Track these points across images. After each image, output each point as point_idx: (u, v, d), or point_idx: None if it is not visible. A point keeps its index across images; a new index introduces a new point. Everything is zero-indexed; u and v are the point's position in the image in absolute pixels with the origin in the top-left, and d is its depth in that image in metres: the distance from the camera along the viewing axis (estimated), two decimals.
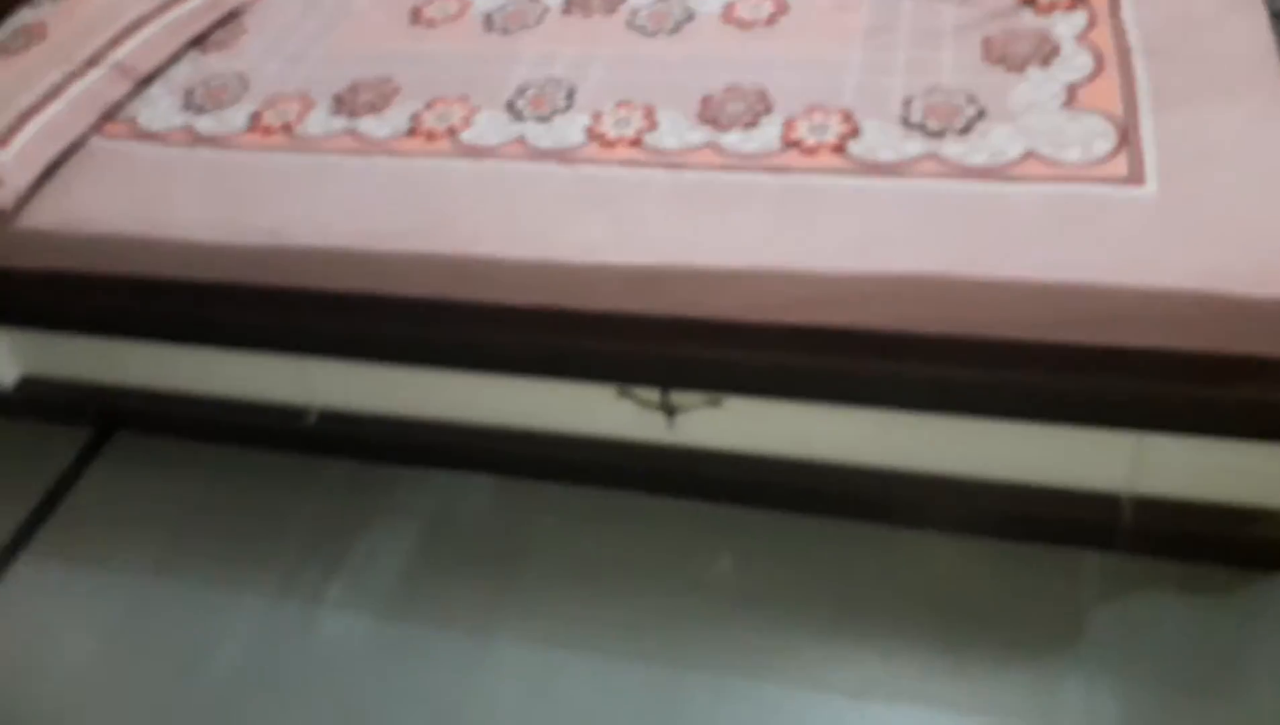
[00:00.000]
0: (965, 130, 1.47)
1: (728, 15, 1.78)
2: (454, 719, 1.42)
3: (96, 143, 1.72)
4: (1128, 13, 1.62)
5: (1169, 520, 1.44)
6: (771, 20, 1.75)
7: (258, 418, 1.75)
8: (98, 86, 1.75)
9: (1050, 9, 1.66)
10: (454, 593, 1.56)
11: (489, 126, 1.62)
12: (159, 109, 1.78)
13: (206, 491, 1.76)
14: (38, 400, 1.85)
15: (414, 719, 1.42)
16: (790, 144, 1.50)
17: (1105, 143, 1.41)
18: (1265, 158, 1.36)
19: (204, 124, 1.73)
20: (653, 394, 1.52)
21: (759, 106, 1.57)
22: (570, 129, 1.59)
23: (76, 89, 1.72)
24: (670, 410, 1.54)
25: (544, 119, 1.62)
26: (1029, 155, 1.42)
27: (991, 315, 1.32)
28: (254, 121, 1.72)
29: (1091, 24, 1.61)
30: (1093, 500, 1.46)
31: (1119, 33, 1.59)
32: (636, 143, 1.55)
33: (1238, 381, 1.27)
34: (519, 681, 1.45)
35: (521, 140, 1.59)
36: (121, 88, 1.78)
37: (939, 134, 1.47)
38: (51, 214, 1.62)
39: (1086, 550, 1.48)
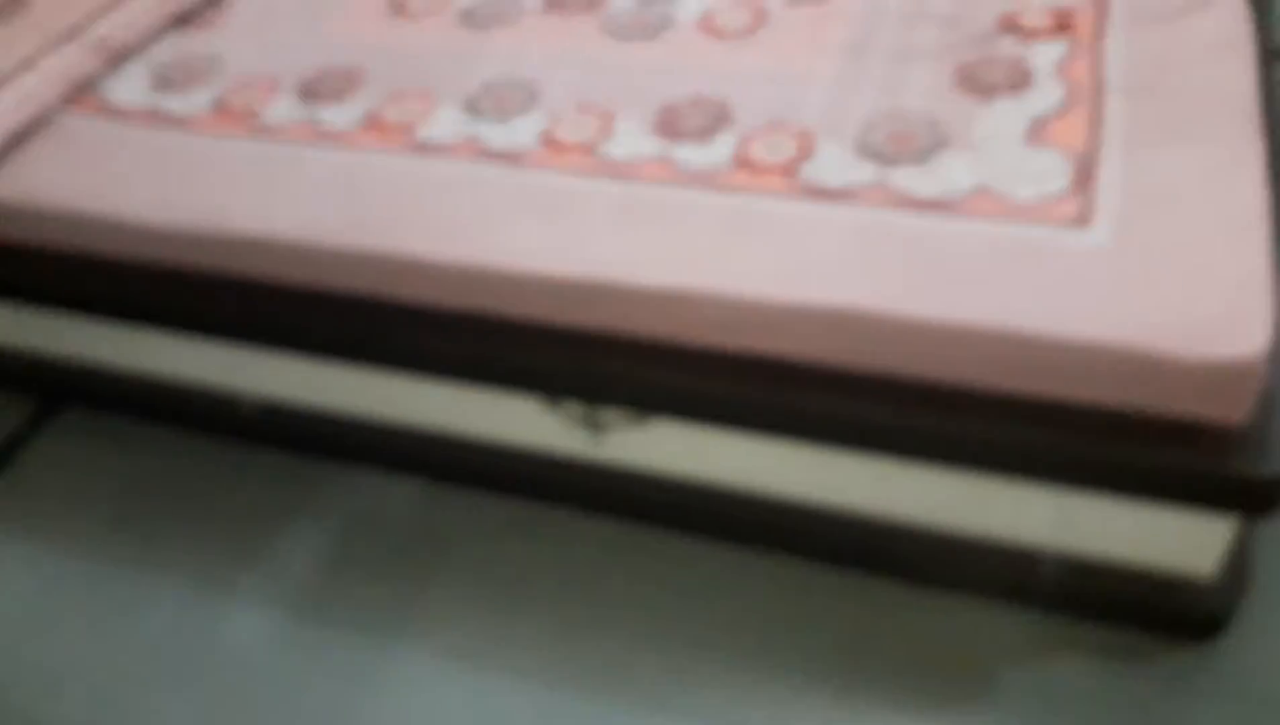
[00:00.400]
0: (921, 159, 1.42)
1: (705, 24, 1.74)
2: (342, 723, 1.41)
3: (64, 117, 1.73)
4: (1111, 45, 1.56)
5: (1091, 581, 1.38)
6: (749, 31, 1.71)
7: (197, 403, 1.75)
8: (73, 60, 1.75)
9: (1032, 37, 1.59)
10: (365, 595, 1.54)
11: (445, 124, 1.60)
12: (130, 87, 1.78)
13: (144, 472, 1.76)
14: None
15: (301, 719, 1.41)
16: (741, 163, 1.46)
17: (1060, 181, 1.35)
18: (1223, 210, 1.29)
19: (169, 104, 1.73)
20: (579, 409, 1.49)
21: (718, 121, 1.53)
22: (525, 132, 1.57)
23: (51, 62, 1.73)
24: (597, 427, 1.51)
25: (502, 120, 1.59)
26: (981, 190, 1.36)
27: (916, 355, 1.27)
28: (218, 105, 1.71)
29: (1072, 55, 1.55)
30: (1014, 554, 1.40)
31: (1098, 65, 1.52)
32: (588, 150, 1.52)
33: (1162, 444, 1.21)
34: (412, 691, 1.44)
35: (474, 140, 1.56)
36: (97, 63, 1.79)
37: (893, 161, 1.42)
38: (9, 185, 1.63)
39: (1006, 604, 1.43)
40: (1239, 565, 1.39)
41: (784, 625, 1.45)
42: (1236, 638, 1.38)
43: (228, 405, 1.74)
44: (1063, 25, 1.60)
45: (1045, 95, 1.49)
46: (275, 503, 1.69)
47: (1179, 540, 1.34)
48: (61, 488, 1.77)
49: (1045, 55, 1.55)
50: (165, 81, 1.78)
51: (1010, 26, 1.62)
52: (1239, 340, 1.15)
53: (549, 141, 1.54)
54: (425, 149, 1.57)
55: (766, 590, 1.49)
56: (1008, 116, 1.46)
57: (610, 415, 1.48)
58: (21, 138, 1.68)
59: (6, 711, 1.47)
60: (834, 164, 1.43)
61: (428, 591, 1.54)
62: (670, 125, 1.54)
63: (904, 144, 1.44)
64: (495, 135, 1.57)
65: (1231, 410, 1.19)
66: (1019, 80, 1.52)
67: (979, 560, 1.42)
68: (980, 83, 1.52)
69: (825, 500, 1.47)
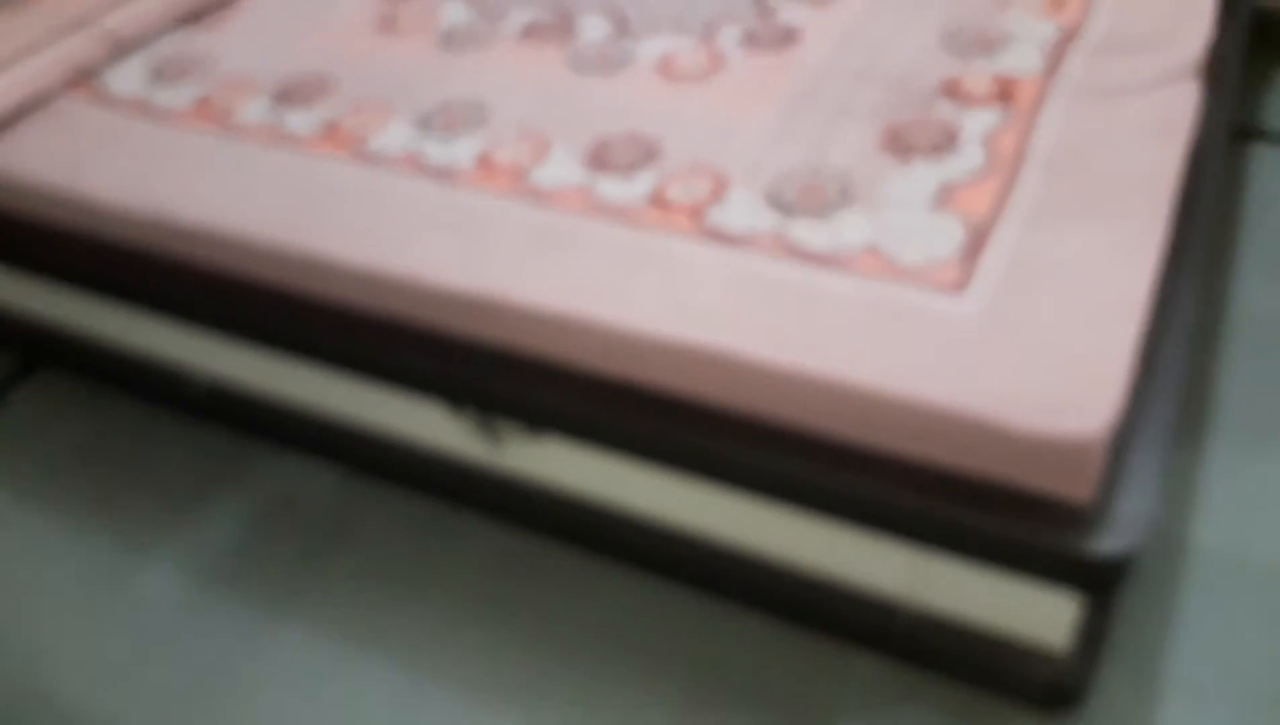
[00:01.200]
0: (822, 213, 1.45)
1: (664, 65, 1.79)
2: (221, 687, 1.49)
3: (62, 101, 1.86)
4: (1046, 118, 1.57)
5: (944, 638, 1.39)
6: (703, 75, 1.76)
7: (154, 376, 1.86)
8: (78, 48, 1.89)
9: (971, 103, 1.61)
10: (269, 570, 1.63)
11: (395, 137, 1.68)
12: (128, 78, 1.91)
13: (97, 434, 1.88)
14: None
15: (183, 678, 1.50)
16: (655, 200, 1.51)
17: (949, 248, 1.37)
18: (1101, 293, 1.29)
19: (159, 97, 1.85)
20: (477, 418, 1.55)
21: (646, 158, 1.59)
22: (464, 151, 1.64)
23: (57, 48, 1.87)
24: (495, 436, 1.56)
25: (447, 139, 1.67)
26: (870, 248, 1.39)
27: (780, 400, 1.30)
28: (200, 102, 1.83)
29: (1005, 124, 1.56)
30: (872, 603, 1.42)
31: (1026, 137, 1.54)
32: (518, 175, 1.59)
33: (1008, 514, 1.21)
34: (291, 660, 1.51)
35: (417, 155, 1.64)
36: (101, 52, 1.92)
37: (795, 213, 1.45)
38: (1, 157, 1.77)
39: (862, 650, 1.44)
40: (1095, 638, 1.38)
41: (642, 640, 1.49)
42: (1088, 711, 1.37)
43: (178, 380, 1.84)
44: (1004, 94, 1.62)
45: (964, 161, 1.50)
46: (208, 474, 1.78)
47: (1029, 609, 1.34)
48: (23, 440, 1.90)
49: (978, 122, 1.57)
50: (160, 75, 1.90)
51: (951, 91, 1.64)
52: (1080, 419, 1.16)
53: (484, 162, 1.61)
54: (371, 159, 1.65)
55: (631, 606, 1.53)
56: (919, 179, 1.48)
57: (507, 427, 1.54)
58: (18, 116, 1.82)
59: None
60: (740, 210, 1.47)
61: (326, 573, 1.62)
62: (600, 158, 1.60)
63: (811, 197, 1.47)
64: (437, 152, 1.64)
65: (1074, 488, 1.19)
66: (942, 144, 1.54)
67: (839, 603, 1.44)
68: (904, 143, 1.55)
69: (698, 529, 1.51)
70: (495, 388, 1.47)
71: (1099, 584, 1.22)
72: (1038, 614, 1.34)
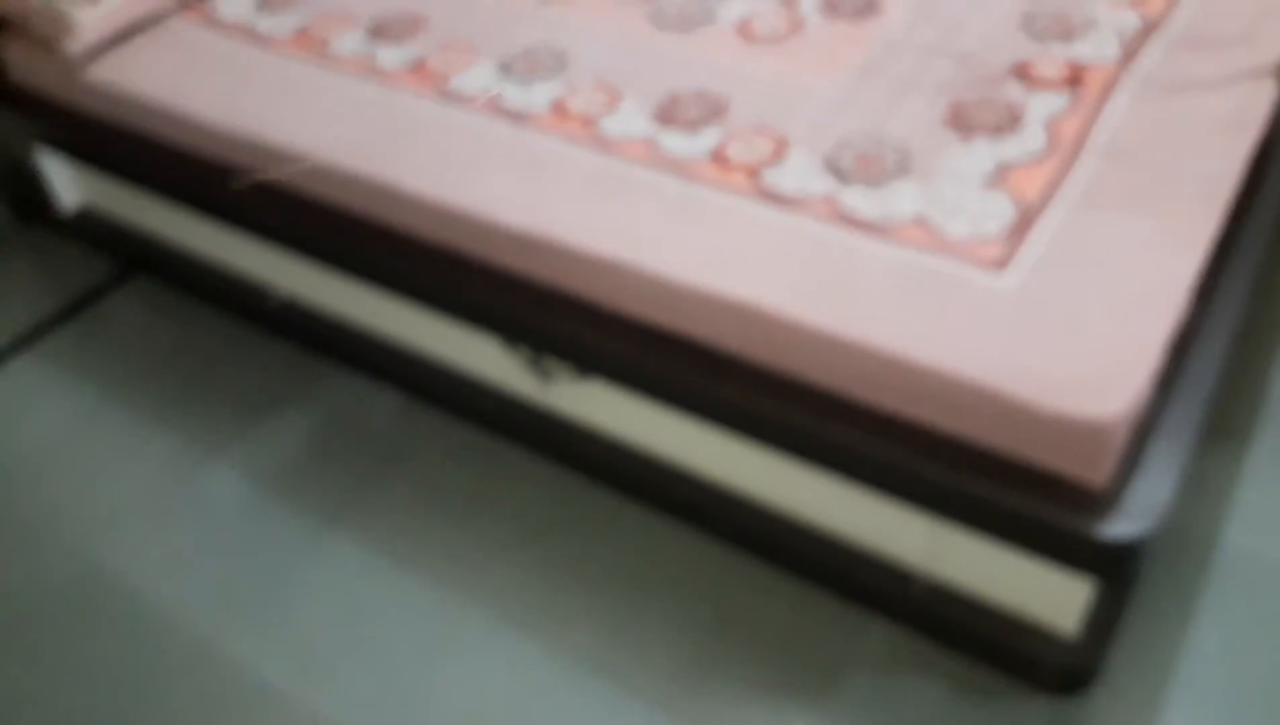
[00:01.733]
0: (877, 182, 1.48)
1: (743, 26, 1.82)
2: (270, 585, 1.61)
3: (173, 21, 1.97)
4: (1112, 106, 1.57)
5: (954, 610, 1.42)
6: (780, 38, 1.79)
7: (236, 290, 1.98)
8: None
9: (1040, 85, 1.61)
10: (325, 482, 1.73)
11: (477, 78, 1.75)
12: (236, 3, 2.01)
13: (182, 341, 2.00)
14: (88, 228, 2.16)
15: (236, 573, 1.63)
16: (716, 157, 1.55)
17: (997, 225, 1.39)
18: (1141, 282, 1.31)
19: (262, 24, 1.95)
20: (528, 354, 1.62)
21: (712, 115, 1.63)
22: (540, 96, 1.70)
23: None
24: (544, 374, 1.63)
25: (525, 82, 1.73)
26: (918, 220, 1.41)
27: (813, 360, 1.34)
28: (300, 31, 1.92)
29: (1070, 110, 1.56)
30: (890, 569, 1.45)
31: (1090, 124, 1.54)
32: (589, 122, 1.64)
33: (1025, 492, 1.24)
34: (341, 572, 1.61)
35: (496, 97, 1.71)
36: None
37: (850, 180, 1.48)
38: (113, 71, 1.88)
39: (878, 616, 1.48)
40: (1107, 625, 1.40)
41: (668, 583, 1.55)
42: (1093, 698, 1.39)
43: (259, 295, 1.95)
44: (1074, 80, 1.62)
45: (1024, 143, 1.51)
46: (279, 387, 1.89)
47: (1041, 590, 1.37)
48: (113, 341, 2.03)
49: (1044, 105, 1.57)
50: (266, 3, 2.00)
51: (1022, 73, 1.64)
52: (1099, 402, 1.18)
53: (558, 108, 1.67)
54: (451, 97, 1.72)
55: (662, 549, 1.59)
56: (978, 157, 1.50)
57: (556, 366, 1.61)
58: (132, 32, 1.93)
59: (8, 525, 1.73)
60: (797, 173, 1.51)
61: (378, 491, 1.71)
62: (668, 113, 1.64)
63: (868, 165, 1.50)
64: (514, 95, 1.71)
65: (1090, 470, 1.22)
66: (1006, 124, 1.55)
67: (858, 568, 1.48)
68: (967, 120, 1.56)
69: (730, 483, 1.56)
70: (546, 326, 1.53)
71: (1107, 568, 1.25)
72: (1049, 596, 1.37)
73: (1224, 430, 1.66)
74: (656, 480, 1.62)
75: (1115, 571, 1.26)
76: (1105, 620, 1.41)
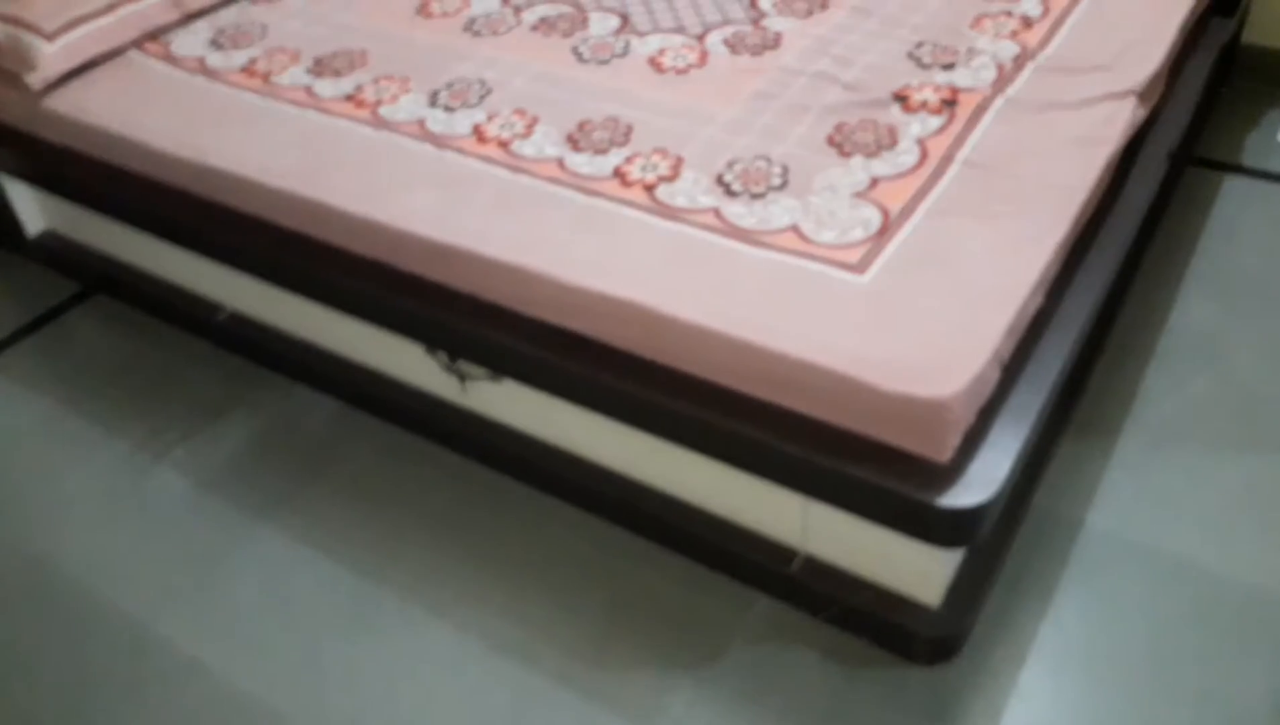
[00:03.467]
0: (758, 196, 1.61)
1: (654, 59, 1.98)
2: (206, 570, 1.73)
3: (132, 55, 2.12)
4: (982, 126, 1.71)
5: (829, 585, 1.54)
6: (686, 70, 1.94)
7: (189, 306, 2.12)
8: (149, 11, 2.15)
9: (917, 109, 1.76)
10: (259, 481, 1.85)
11: (408, 107, 1.90)
12: (192, 41, 2.16)
13: (136, 353, 2.13)
14: (51, 250, 2.30)
15: (176, 561, 1.75)
16: (618, 175, 1.69)
17: (862, 232, 1.53)
18: (987, 279, 1.44)
19: (214, 59, 2.10)
20: (445, 358, 1.75)
21: (618, 139, 1.77)
22: (463, 122, 1.84)
23: (130, 9, 2.12)
24: (461, 376, 1.76)
25: (451, 110, 1.88)
26: (791, 228, 1.55)
27: (698, 356, 1.47)
28: (248, 66, 2.07)
29: (943, 130, 1.71)
30: (770, 548, 1.58)
31: (959, 142, 1.68)
32: (505, 145, 1.78)
33: (874, 466, 1.36)
34: (271, 560, 1.73)
35: (422, 122, 1.86)
36: (170, 17, 2.18)
37: (734, 194, 1.62)
38: (71, 102, 2.03)
39: (762, 592, 1.60)
40: (970, 598, 1.51)
41: (572, 566, 1.67)
42: (958, 666, 1.51)
43: (210, 310, 2.09)
44: (950, 102, 1.76)
45: (896, 160, 1.66)
46: (224, 396, 2.02)
47: (906, 565, 1.49)
48: (72, 355, 2.16)
49: (919, 126, 1.72)
50: (219, 41, 2.15)
51: (902, 98, 1.79)
52: (938, 384, 1.31)
53: (478, 133, 1.82)
54: (383, 123, 1.86)
55: (566, 536, 1.71)
56: (854, 172, 1.64)
57: (471, 369, 1.74)
58: (93, 65, 2.08)
59: None
60: (688, 189, 1.65)
61: (310, 488, 1.83)
62: (578, 137, 1.78)
63: (752, 182, 1.64)
64: (439, 121, 1.85)
65: (933, 448, 1.34)
66: (883, 144, 1.69)
67: (744, 547, 1.60)
68: (847, 142, 1.70)
69: (628, 472, 1.69)
70: (461, 331, 1.66)
71: (950, 536, 1.37)
72: (913, 569, 1.49)
73: (1096, 425, 1.79)
74: (562, 472, 1.74)
75: (958, 539, 1.39)
76: (968, 593, 1.53)
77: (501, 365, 1.68)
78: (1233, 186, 2.24)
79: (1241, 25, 2.47)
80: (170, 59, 2.11)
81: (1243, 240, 2.13)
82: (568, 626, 1.60)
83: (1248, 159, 2.35)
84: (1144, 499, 1.69)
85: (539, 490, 1.78)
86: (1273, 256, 2.09)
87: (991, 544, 1.58)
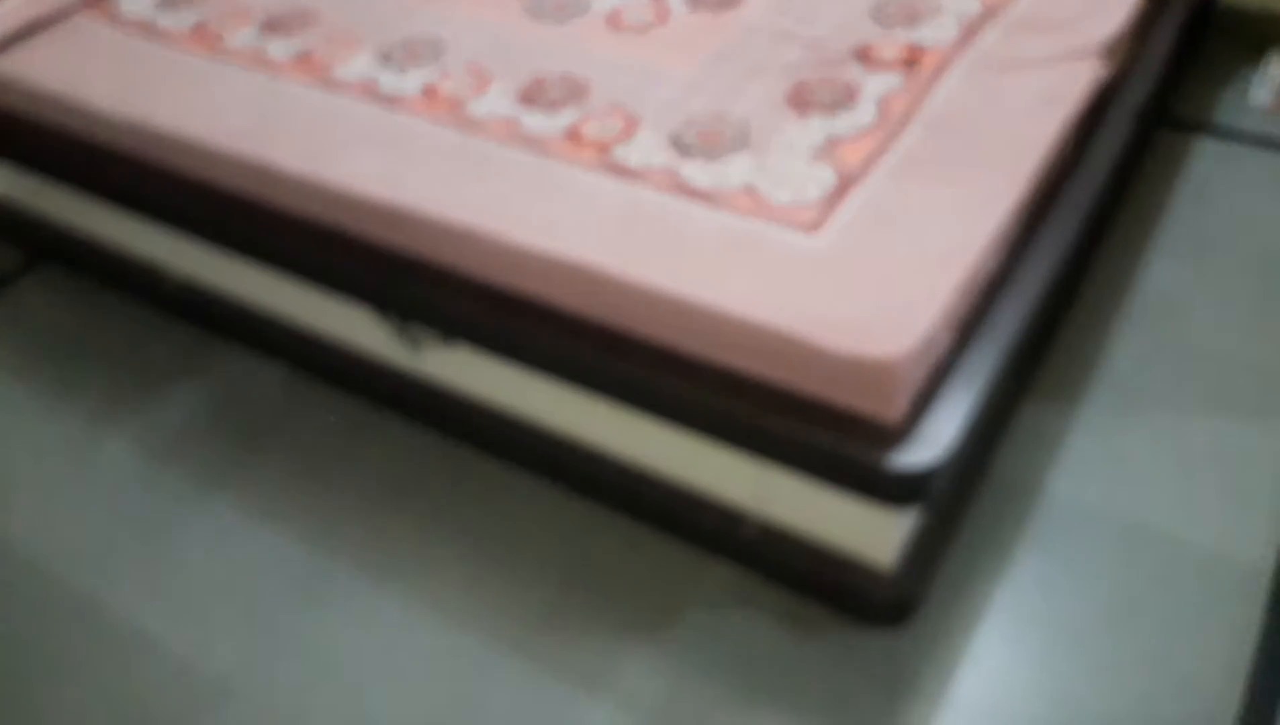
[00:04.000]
0: (714, 156, 1.58)
1: (613, 17, 1.93)
2: (156, 540, 1.70)
3: (76, 19, 2.07)
4: (943, 85, 1.68)
5: (783, 549, 1.52)
6: (646, 29, 1.90)
7: (137, 273, 2.07)
8: None
9: (878, 67, 1.72)
10: (210, 450, 1.82)
11: (357, 67, 1.85)
12: (137, 2, 2.11)
13: (85, 323, 2.10)
14: None
15: (126, 530, 1.72)
16: (571, 135, 1.65)
17: (817, 192, 1.49)
18: (940, 240, 1.41)
19: (163, 20, 2.04)
20: (397, 323, 1.71)
21: (572, 97, 1.73)
22: (413, 82, 1.80)
23: None
24: (412, 341, 1.73)
25: (401, 70, 1.83)
26: (747, 189, 1.52)
27: (649, 318, 1.44)
28: (197, 27, 2.02)
29: (903, 88, 1.67)
30: (725, 512, 1.55)
31: (919, 101, 1.65)
32: (456, 105, 1.74)
33: (825, 427, 1.34)
34: (220, 529, 1.71)
35: (372, 83, 1.81)
36: None
37: (690, 154, 1.59)
38: (15, 66, 1.97)
39: (717, 557, 1.58)
40: (924, 560, 1.50)
41: (525, 534, 1.65)
42: (913, 628, 1.49)
43: (158, 277, 2.05)
44: (911, 60, 1.73)
45: (855, 118, 1.62)
46: (174, 364, 1.99)
47: (859, 527, 1.46)
48: (20, 325, 2.13)
49: (879, 84, 1.68)
50: (169, 2, 2.10)
51: (863, 56, 1.75)
52: (882, 344, 1.28)
53: (429, 93, 1.77)
54: (333, 85, 1.82)
55: (519, 503, 1.69)
56: (811, 132, 1.60)
57: (423, 333, 1.70)
58: (37, 29, 2.03)
59: None
60: (643, 149, 1.61)
61: (259, 457, 1.81)
62: (532, 95, 1.74)
63: (708, 141, 1.60)
64: (390, 81, 1.81)
65: (883, 408, 1.31)
66: (842, 102, 1.65)
67: (697, 513, 1.57)
68: (806, 99, 1.67)
69: (582, 437, 1.66)
70: (412, 295, 1.63)
71: (899, 496, 1.34)
72: (867, 532, 1.47)
73: (1059, 389, 1.77)
74: (515, 438, 1.72)
75: (907, 498, 1.36)
76: (924, 557, 1.51)
77: (452, 328, 1.64)
78: (1205, 149, 2.21)
79: None
80: (117, 21, 2.06)
81: (1213, 203, 2.10)
82: (521, 594, 1.58)
83: (1221, 121, 2.32)
84: (1106, 462, 1.67)
85: (493, 457, 1.75)
86: (1242, 219, 2.06)
87: (948, 507, 1.56)
